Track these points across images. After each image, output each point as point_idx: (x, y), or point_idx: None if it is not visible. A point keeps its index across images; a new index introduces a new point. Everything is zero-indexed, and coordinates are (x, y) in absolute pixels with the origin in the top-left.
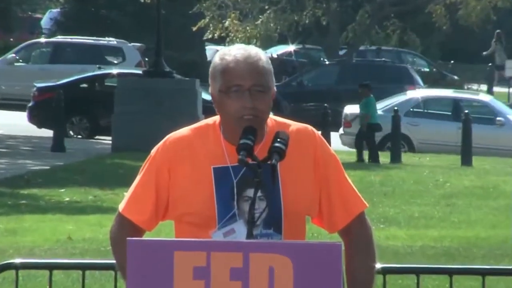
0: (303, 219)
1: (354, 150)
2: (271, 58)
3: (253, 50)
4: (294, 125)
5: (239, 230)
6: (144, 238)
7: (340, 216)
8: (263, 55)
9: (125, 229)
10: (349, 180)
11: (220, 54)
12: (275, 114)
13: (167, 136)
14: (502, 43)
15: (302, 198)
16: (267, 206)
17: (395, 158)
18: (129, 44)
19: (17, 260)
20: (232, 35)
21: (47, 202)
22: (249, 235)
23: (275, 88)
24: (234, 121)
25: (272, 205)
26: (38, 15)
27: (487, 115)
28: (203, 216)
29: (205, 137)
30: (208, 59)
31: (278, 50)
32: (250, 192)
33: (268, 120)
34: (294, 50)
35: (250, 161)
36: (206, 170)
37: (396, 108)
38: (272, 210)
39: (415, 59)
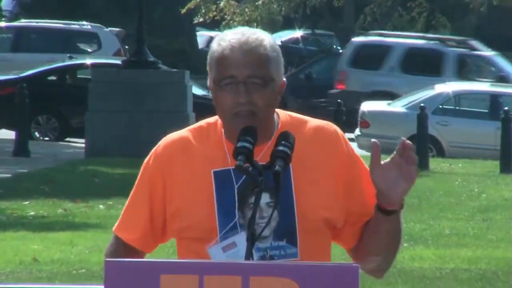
0: (324, 230)
1: None
2: None
3: (254, 35)
4: (313, 121)
5: (242, 244)
6: (125, 259)
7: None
8: (267, 40)
9: (118, 250)
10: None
11: (217, 39)
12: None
13: (162, 139)
14: None
15: (321, 204)
16: (273, 214)
17: (422, 164)
18: (106, 29)
19: None
20: (228, 18)
21: (8, 217)
22: (249, 254)
23: (284, 79)
24: (229, 118)
25: (283, 213)
26: None
27: None
28: (204, 228)
29: (206, 137)
30: (200, 46)
31: (283, 36)
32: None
33: (284, 116)
34: (302, 36)
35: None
36: (206, 174)
37: (422, 104)
38: (283, 219)
39: None
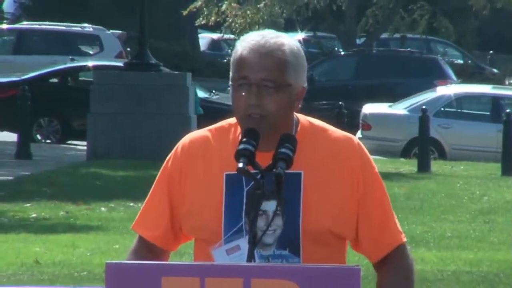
0: (331, 240)
1: (375, 157)
2: None
3: (275, 38)
4: (334, 131)
5: (246, 247)
6: (126, 261)
7: (373, 247)
8: (287, 45)
9: (139, 248)
10: (391, 207)
11: (241, 39)
12: None
13: (183, 138)
14: None
15: (329, 216)
16: (273, 220)
17: (423, 167)
18: (108, 31)
19: None
20: (230, 20)
21: (10, 219)
22: (250, 257)
23: (304, 85)
24: (242, 119)
25: (288, 221)
26: None
27: None
28: (210, 230)
29: (225, 138)
30: (202, 49)
31: None
32: (265, 205)
33: (304, 121)
34: (304, 39)
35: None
36: (218, 177)
37: (424, 107)
38: (288, 228)
39: (446, 49)
